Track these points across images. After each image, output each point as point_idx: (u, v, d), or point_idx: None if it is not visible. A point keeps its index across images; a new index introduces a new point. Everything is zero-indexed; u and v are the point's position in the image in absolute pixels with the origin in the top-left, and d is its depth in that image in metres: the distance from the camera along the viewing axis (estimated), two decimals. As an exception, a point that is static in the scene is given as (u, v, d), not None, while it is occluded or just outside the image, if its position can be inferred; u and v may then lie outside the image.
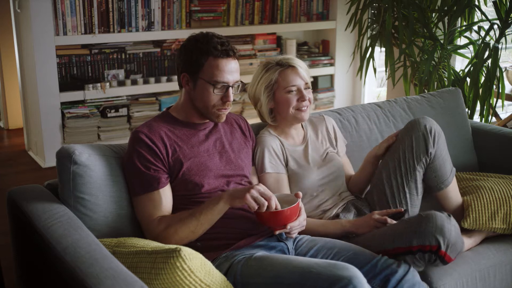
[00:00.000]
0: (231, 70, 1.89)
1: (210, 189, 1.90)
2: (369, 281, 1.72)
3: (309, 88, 2.15)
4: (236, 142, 2.04)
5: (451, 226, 1.80)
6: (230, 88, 1.90)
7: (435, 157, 2.09)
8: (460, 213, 2.16)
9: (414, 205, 2.13)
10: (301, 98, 2.12)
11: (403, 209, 2.02)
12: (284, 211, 1.75)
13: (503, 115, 4.40)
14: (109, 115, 4.27)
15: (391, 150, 2.17)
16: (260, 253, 1.79)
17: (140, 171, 1.84)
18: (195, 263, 1.54)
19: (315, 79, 5.05)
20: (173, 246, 1.55)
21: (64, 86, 4.14)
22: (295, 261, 1.68)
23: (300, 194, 1.83)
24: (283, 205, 1.81)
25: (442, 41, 3.58)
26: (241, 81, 1.94)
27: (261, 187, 1.73)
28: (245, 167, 2.01)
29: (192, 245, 1.80)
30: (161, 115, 1.98)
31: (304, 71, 2.14)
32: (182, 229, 1.78)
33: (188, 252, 1.53)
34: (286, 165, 2.14)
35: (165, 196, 1.86)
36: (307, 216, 2.06)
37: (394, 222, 1.98)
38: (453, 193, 2.17)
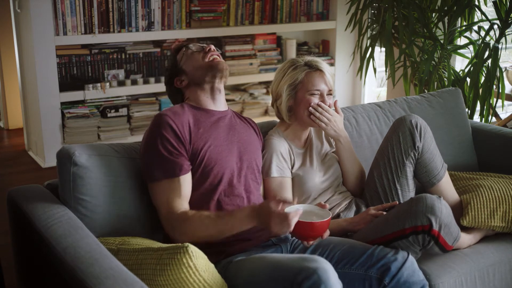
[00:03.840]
0: (198, 45, 2.07)
1: (224, 171, 1.88)
2: (366, 271, 1.75)
3: (331, 94, 2.15)
4: (248, 134, 2.06)
5: (441, 205, 1.82)
6: (201, 48, 2.03)
7: (423, 151, 2.11)
8: (457, 210, 2.17)
9: None
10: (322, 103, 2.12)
11: (397, 203, 2.04)
12: (324, 222, 1.72)
13: (503, 115, 4.41)
14: (109, 115, 4.27)
15: (380, 149, 2.19)
16: (240, 257, 1.79)
17: (162, 156, 1.81)
18: (200, 262, 1.54)
19: (315, 79, 5.05)
20: (180, 244, 1.55)
21: (64, 86, 4.14)
22: (269, 257, 1.69)
23: (327, 205, 1.81)
24: (312, 217, 1.78)
25: (442, 41, 3.58)
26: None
27: (276, 221, 1.63)
28: (257, 158, 2.03)
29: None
30: (181, 104, 1.99)
31: (330, 77, 2.14)
32: (201, 233, 1.74)
33: (195, 250, 1.54)
34: (292, 167, 2.14)
35: (186, 183, 1.83)
36: None
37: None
38: (447, 189, 2.19)
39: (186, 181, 1.83)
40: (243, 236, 1.84)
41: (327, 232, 1.78)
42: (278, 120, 2.26)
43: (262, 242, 1.88)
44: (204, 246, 1.80)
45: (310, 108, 2.12)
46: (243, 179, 1.94)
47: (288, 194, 2.10)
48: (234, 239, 1.82)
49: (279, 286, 1.57)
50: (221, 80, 2.00)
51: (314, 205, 1.84)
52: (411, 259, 1.78)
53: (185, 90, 2.02)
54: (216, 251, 1.82)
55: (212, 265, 1.61)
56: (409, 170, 2.13)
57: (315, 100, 2.11)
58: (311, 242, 1.77)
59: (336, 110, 2.19)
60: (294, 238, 1.95)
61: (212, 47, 2.02)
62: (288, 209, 1.77)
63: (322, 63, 2.15)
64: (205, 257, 1.58)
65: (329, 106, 2.13)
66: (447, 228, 1.83)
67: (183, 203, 1.81)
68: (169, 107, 1.94)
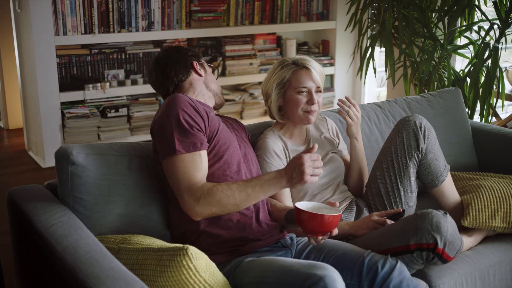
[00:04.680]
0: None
1: (236, 153, 1.92)
2: (359, 283, 1.74)
3: (320, 92, 2.15)
4: (236, 128, 2.11)
5: (447, 223, 1.81)
6: None
7: (427, 152, 2.11)
8: (458, 211, 2.16)
9: (409, 203, 2.15)
10: (310, 100, 2.11)
11: (401, 210, 2.03)
12: (335, 216, 1.70)
13: (503, 115, 4.40)
14: (109, 115, 4.27)
15: (383, 150, 2.19)
16: (251, 258, 1.80)
17: (185, 129, 1.78)
18: (200, 263, 1.54)
19: (315, 79, 5.06)
20: (180, 245, 1.56)
21: (64, 86, 4.14)
22: (280, 261, 1.70)
23: (337, 203, 1.82)
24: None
25: (442, 41, 3.58)
26: None
27: (308, 161, 1.71)
28: (250, 151, 2.06)
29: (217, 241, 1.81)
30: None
31: (318, 74, 2.13)
32: (228, 200, 1.73)
33: (195, 252, 1.54)
34: None
35: (205, 159, 1.82)
36: None
37: (393, 223, 1.98)
38: (449, 189, 2.18)
39: (205, 157, 1.82)
40: (254, 236, 1.86)
41: (336, 230, 1.77)
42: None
43: (272, 243, 1.88)
44: (215, 246, 1.82)
45: (338, 102, 2.17)
46: (249, 164, 1.97)
47: (286, 191, 2.10)
48: (244, 240, 1.84)
49: None
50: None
51: (323, 204, 1.84)
52: (399, 269, 1.75)
53: (197, 80, 2.02)
54: (227, 251, 1.82)
55: (213, 265, 1.61)
56: (412, 171, 2.12)
57: (303, 98, 2.11)
58: (319, 238, 1.75)
59: (356, 110, 2.22)
60: (297, 241, 1.94)
61: None
62: (296, 205, 1.77)
63: (310, 61, 2.15)
64: (206, 257, 1.58)
65: (317, 104, 2.13)
66: (451, 245, 1.82)
67: (203, 178, 1.79)
68: (181, 94, 1.93)
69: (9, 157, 4.43)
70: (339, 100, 2.21)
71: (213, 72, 2.11)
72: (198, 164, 1.78)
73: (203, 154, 1.81)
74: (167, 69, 2.01)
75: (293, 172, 1.72)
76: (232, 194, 1.74)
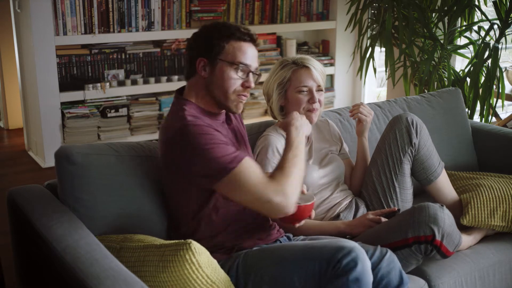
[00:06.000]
0: (253, 55, 1.80)
1: None
2: None
3: (321, 90, 2.15)
4: (238, 126, 2.03)
5: (444, 215, 1.83)
6: (251, 73, 1.80)
7: (420, 147, 2.13)
8: (456, 208, 2.17)
9: (405, 199, 2.16)
10: (311, 99, 2.11)
11: (396, 209, 2.04)
12: (309, 205, 1.76)
13: (503, 115, 4.41)
14: (109, 115, 4.27)
15: (377, 148, 2.21)
16: (258, 247, 1.80)
17: (222, 146, 1.67)
18: (203, 258, 1.55)
19: (315, 79, 5.06)
20: (182, 240, 1.56)
21: (64, 86, 4.14)
22: (296, 243, 1.74)
23: (304, 187, 1.84)
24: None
25: (442, 41, 3.58)
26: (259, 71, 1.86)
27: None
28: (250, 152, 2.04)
29: None
30: (187, 106, 1.79)
31: (318, 73, 2.13)
32: (296, 170, 1.71)
33: (197, 246, 1.55)
34: None
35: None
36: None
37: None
38: (445, 186, 2.20)
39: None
40: (253, 236, 1.86)
41: (313, 214, 1.82)
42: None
43: (270, 242, 1.88)
44: (216, 247, 1.81)
45: (349, 112, 2.22)
46: None
47: None
48: (245, 240, 1.84)
49: (314, 264, 1.61)
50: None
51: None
52: (389, 258, 1.73)
53: (199, 79, 1.81)
54: (227, 249, 1.82)
55: (214, 261, 1.61)
56: (407, 167, 2.14)
57: (304, 97, 2.11)
58: (297, 225, 1.80)
59: (368, 109, 2.25)
60: (295, 240, 1.95)
61: (252, 85, 1.82)
62: None
63: (311, 60, 2.16)
64: (207, 253, 1.59)
65: (319, 102, 2.13)
66: (449, 237, 1.83)
67: (264, 172, 1.73)
68: (185, 114, 1.75)
69: (9, 157, 4.43)
70: (350, 110, 2.26)
71: (246, 75, 1.80)
72: (253, 167, 1.69)
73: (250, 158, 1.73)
74: (188, 57, 1.84)
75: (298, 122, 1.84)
76: (296, 165, 1.72)
